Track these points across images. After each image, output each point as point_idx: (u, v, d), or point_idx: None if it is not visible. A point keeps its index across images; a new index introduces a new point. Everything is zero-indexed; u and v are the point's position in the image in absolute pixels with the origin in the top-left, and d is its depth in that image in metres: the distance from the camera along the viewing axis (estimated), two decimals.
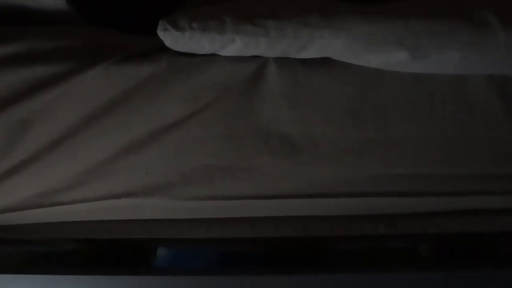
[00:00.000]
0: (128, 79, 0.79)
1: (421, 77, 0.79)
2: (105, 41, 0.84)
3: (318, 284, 0.69)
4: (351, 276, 0.70)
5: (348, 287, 0.70)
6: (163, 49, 0.81)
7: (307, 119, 0.77)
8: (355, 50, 0.75)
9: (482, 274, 0.73)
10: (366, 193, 0.76)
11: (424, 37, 0.72)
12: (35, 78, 0.79)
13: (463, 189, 0.77)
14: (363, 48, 0.74)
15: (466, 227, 0.77)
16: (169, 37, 0.76)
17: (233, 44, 0.77)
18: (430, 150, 0.77)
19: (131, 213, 0.76)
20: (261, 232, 0.75)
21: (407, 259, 0.77)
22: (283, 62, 0.80)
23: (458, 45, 0.72)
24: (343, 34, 0.73)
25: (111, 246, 0.77)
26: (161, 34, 0.76)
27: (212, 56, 0.80)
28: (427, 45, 0.73)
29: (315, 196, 0.76)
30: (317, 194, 0.76)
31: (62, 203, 0.77)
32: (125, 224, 0.76)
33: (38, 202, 0.77)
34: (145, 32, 0.84)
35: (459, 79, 0.79)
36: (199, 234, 0.75)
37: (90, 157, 0.77)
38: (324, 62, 0.81)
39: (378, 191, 0.76)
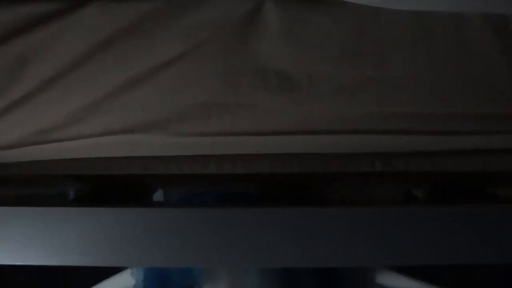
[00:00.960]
0: (125, 16, 0.78)
1: (420, 15, 0.78)
2: None
3: (311, 217, 0.70)
4: (345, 210, 0.71)
5: (342, 221, 0.70)
6: None
7: (305, 56, 0.77)
8: None
9: (477, 211, 0.73)
10: (362, 130, 0.76)
11: None
12: (31, 15, 0.78)
13: (460, 129, 0.78)
14: None
15: (463, 166, 0.77)
16: None
17: None
18: (427, 89, 0.77)
19: (128, 150, 0.77)
20: (257, 168, 0.75)
21: (403, 197, 0.78)
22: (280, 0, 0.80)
23: None
24: None
25: (108, 182, 0.78)
26: None
27: None
28: None
29: (311, 133, 0.76)
30: (313, 131, 0.76)
31: (58, 140, 0.77)
32: (123, 160, 0.77)
33: (35, 139, 0.78)
34: None
35: (457, 18, 0.78)
36: (196, 170, 0.75)
37: (87, 94, 0.77)
38: (322, 0, 0.80)
39: (374, 129, 0.76)
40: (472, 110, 0.78)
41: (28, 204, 0.71)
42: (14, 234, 0.70)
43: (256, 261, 0.70)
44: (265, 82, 0.76)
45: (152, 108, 0.76)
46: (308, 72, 0.77)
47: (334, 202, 0.74)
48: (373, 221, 0.71)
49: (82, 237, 0.70)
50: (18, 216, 0.71)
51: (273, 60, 0.78)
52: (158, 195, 0.79)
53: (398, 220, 0.71)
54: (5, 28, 0.78)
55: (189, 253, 0.70)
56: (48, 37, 0.78)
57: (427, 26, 0.78)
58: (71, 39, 0.78)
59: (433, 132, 0.77)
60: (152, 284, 1.14)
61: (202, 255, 0.70)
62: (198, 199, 0.81)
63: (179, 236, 0.70)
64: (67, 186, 0.87)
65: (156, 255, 0.70)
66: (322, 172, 0.75)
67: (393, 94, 0.77)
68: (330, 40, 0.78)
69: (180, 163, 0.75)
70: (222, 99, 0.77)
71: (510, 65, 0.78)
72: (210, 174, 0.76)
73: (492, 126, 0.77)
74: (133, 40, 0.78)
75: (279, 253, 0.69)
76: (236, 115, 0.76)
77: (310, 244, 0.69)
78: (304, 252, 0.70)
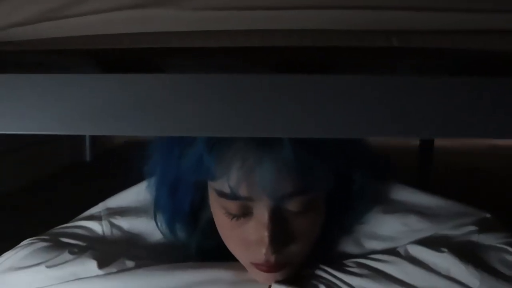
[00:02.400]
0: None
1: None
2: None
3: (324, 85, 0.69)
4: (359, 78, 0.70)
5: (356, 90, 0.69)
6: None
7: None
8: None
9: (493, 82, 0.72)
10: (379, 6, 0.74)
11: None
12: None
13: (479, 6, 0.76)
14: None
15: (483, 44, 0.76)
16: None
17: None
18: None
19: (140, 25, 0.76)
20: (271, 41, 0.74)
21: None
22: None
23: None
24: None
25: (121, 55, 0.77)
26: None
27: None
28: None
29: (325, 8, 0.74)
30: (326, 5, 0.74)
31: (71, 16, 0.77)
32: (135, 36, 0.76)
33: (47, 16, 0.76)
34: None
35: None
36: (209, 43, 0.74)
37: None
38: None
39: (391, 5, 0.75)
40: None
41: (36, 72, 0.70)
42: (21, 103, 0.70)
43: (266, 131, 0.69)
44: None
45: None
46: None
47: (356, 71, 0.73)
48: (386, 91, 0.70)
49: (91, 104, 0.70)
50: (25, 84, 0.70)
51: None
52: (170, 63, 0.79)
53: (411, 89, 0.70)
54: None
55: (200, 122, 0.69)
56: None
57: None
58: None
59: (451, 9, 0.75)
60: (165, 183, 1.15)
61: (212, 124, 0.69)
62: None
63: (188, 103, 0.69)
64: (78, 70, 0.87)
65: (165, 123, 0.69)
66: (338, 48, 0.74)
67: None
68: None
69: (193, 37, 0.74)
70: None
71: None
72: (223, 50, 0.75)
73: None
74: None
75: (290, 123, 0.69)
76: None
77: (323, 114, 0.69)
78: (316, 122, 0.69)
